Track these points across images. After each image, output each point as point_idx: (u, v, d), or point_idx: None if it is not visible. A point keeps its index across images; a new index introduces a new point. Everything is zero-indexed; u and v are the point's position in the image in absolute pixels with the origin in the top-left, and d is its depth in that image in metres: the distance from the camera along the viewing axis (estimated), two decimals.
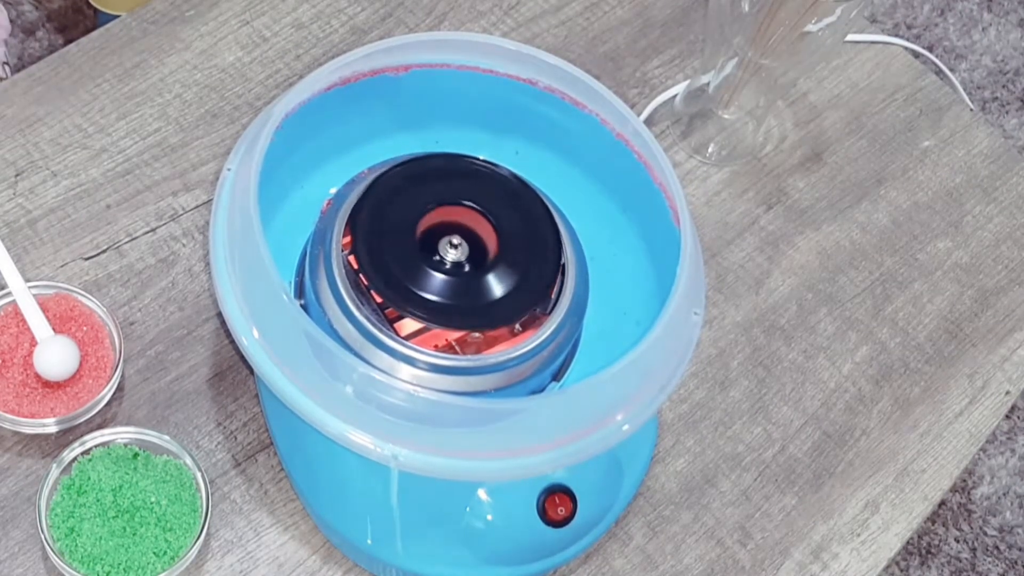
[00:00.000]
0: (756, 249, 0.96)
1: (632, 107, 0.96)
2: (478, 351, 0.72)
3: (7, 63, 1.15)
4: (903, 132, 1.04)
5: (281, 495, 0.81)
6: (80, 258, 0.86)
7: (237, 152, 0.73)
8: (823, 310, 0.95)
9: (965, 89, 1.10)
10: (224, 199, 0.72)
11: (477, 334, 0.72)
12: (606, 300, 0.78)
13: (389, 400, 0.66)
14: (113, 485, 0.76)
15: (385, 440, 0.67)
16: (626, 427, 0.69)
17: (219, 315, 0.85)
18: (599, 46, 1.03)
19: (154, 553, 0.75)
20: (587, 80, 0.76)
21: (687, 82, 1.00)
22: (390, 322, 0.70)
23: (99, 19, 1.37)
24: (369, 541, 0.76)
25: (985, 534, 1.64)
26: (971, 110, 1.06)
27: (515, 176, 0.76)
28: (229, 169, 0.72)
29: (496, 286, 0.71)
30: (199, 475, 0.77)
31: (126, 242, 0.88)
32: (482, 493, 0.76)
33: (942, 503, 1.65)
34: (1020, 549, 1.65)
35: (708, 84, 0.97)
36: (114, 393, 0.80)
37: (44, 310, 0.79)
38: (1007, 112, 1.96)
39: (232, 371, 0.84)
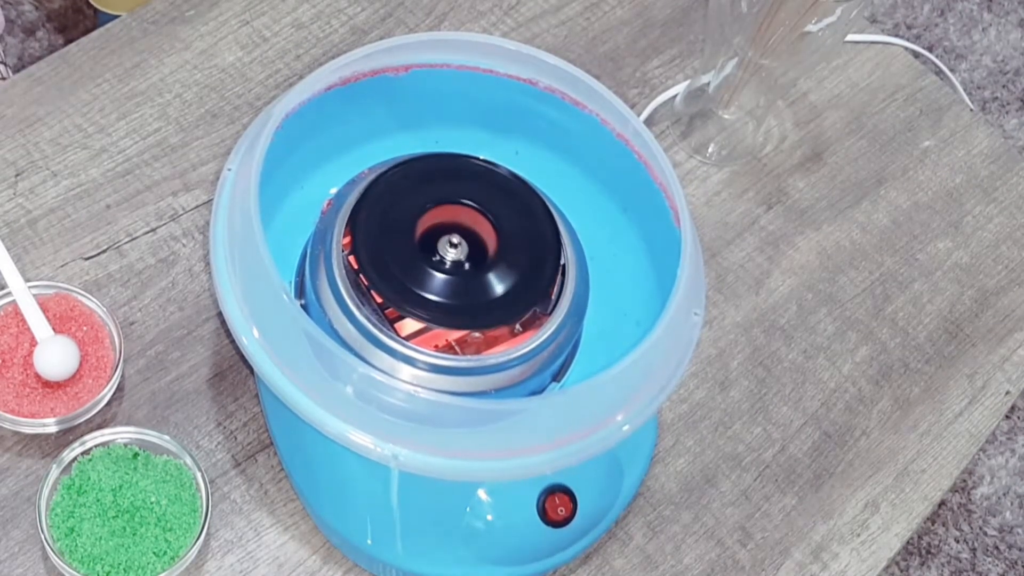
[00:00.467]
0: (756, 249, 0.96)
1: (632, 107, 0.96)
2: (478, 351, 0.72)
3: (4, 62, 1.15)
4: (903, 132, 1.04)
5: (281, 495, 0.81)
6: (80, 258, 0.86)
7: (237, 152, 0.73)
8: (823, 310, 0.95)
9: (965, 89, 1.10)
10: (224, 199, 0.72)
11: (477, 334, 0.72)
12: (606, 300, 0.78)
13: (389, 400, 0.66)
14: (113, 485, 0.76)
15: (385, 440, 0.67)
16: (626, 427, 0.69)
17: (219, 315, 0.86)
18: (599, 46, 1.03)
19: (154, 553, 0.75)
20: (587, 80, 0.76)
21: (687, 82, 1.00)
22: (390, 322, 0.70)
23: (99, 19, 1.37)
24: (369, 541, 0.76)
25: (985, 534, 1.64)
26: (971, 110, 1.06)
27: (515, 176, 0.76)
28: (229, 169, 0.72)
29: (496, 286, 0.71)
30: (199, 475, 0.77)
31: (126, 242, 0.88)
32: (482, 493, 0.76)
33: (942, 503, 1.65)
34: (1020, 549, 1.65)
35: (708, 84, 0.97)
36: (114, 393, 0.80)
37: (44, 310, 0.79)
38: (1007, 112, 1.96)
39: (232, 371, 0.84)
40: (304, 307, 0.73)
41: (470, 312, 0.71)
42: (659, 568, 0.83)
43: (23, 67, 0.96)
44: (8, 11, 1.71)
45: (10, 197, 0.88)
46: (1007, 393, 0.94)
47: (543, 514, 0.76)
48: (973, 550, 1.63)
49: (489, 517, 0.76)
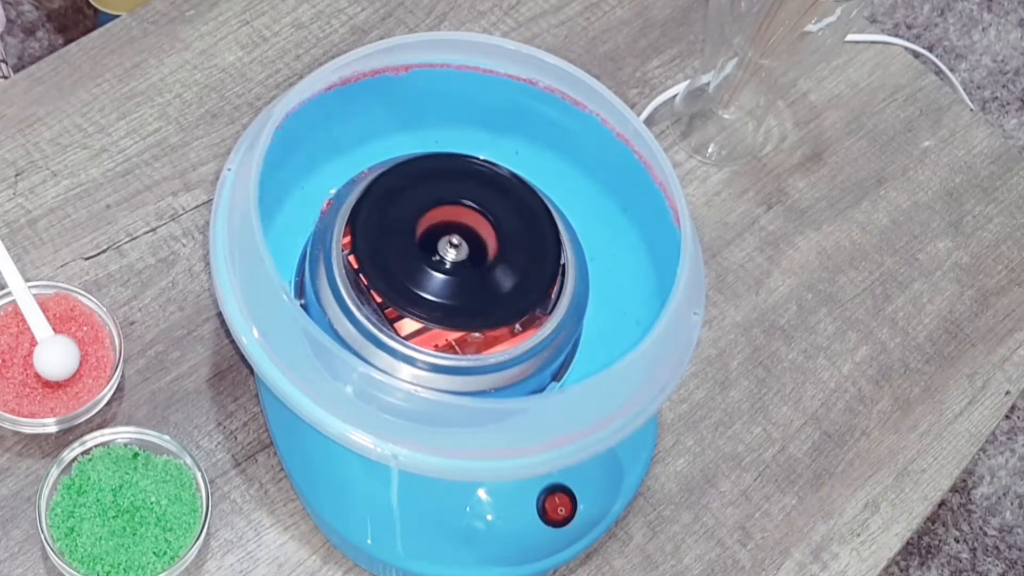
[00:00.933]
0: (756, 249, 0.96)
1: (632, 107, 0.96)
2: (478, 351, 0.72)
3: (4, 60, 1.15)
4: (903, 132, 1.04)
5: (281, 495, 0.81)
6: (80, 258, 0.86)
7: (237, 152, 0.73)
8: (823, 310, 0.95)
9: (965, 89, 1.10)
10: (224, 199, 0.72)
11: (477, 334, 0.72)
12: (606, 300, 0.78)
13: (389, 400, 0.66)
14: (113, 485, 0.76)
15: (385, 440, 0.67)
16: (626, 427, 0.69)
17: (219, 315, 0.86)
18: (599, 46, 1.03)
19: (154, 553, 0.75)
20: (587, 80, 0.75)
21: (687, 82, 1.00)
22: (390, 322, 0.70)
23: (99, 19, 1.37)
24: (369, 541, 0.76)
25: (985, 534, 1.64)
26: (971, 110, 1.06)
27: (515, 176, 0.76)
28: (229, 169, 0.72)
29: (496, 286, 0.71)
30: (199, 475, 0.77)
31: (126, 242, 0.88)
32: (482, 493, 0.76)
33: (942, 503, 1.65)
34: (1020, 549, 1.65)
35: (708, 84, 0.97)
36: (114, 393, 0.80)
37: (44, 310, 0.79)
38: (1007, 112, 1.96)
39: (232, 371, 0.84)
40: (304, 307, 0.73)
41: (470, 312, 0.71)
42: (659, 568, 0.83)
43: (23, 67, 0.96)
44: (8, 11, 1.71)
45: (10, 197, 0.88)
46: (1007, 393, 0.94)
47: (543, 514, 0.76)
48: (973, 550, 1.63)
49: (489, 517, 0.76)
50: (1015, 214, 1.02)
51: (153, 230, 0.88)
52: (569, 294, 0.73)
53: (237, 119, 0.93)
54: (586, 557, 0.83)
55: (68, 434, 0.79)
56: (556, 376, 0.75)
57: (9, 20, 1.70)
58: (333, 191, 0.77)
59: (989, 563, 1.63)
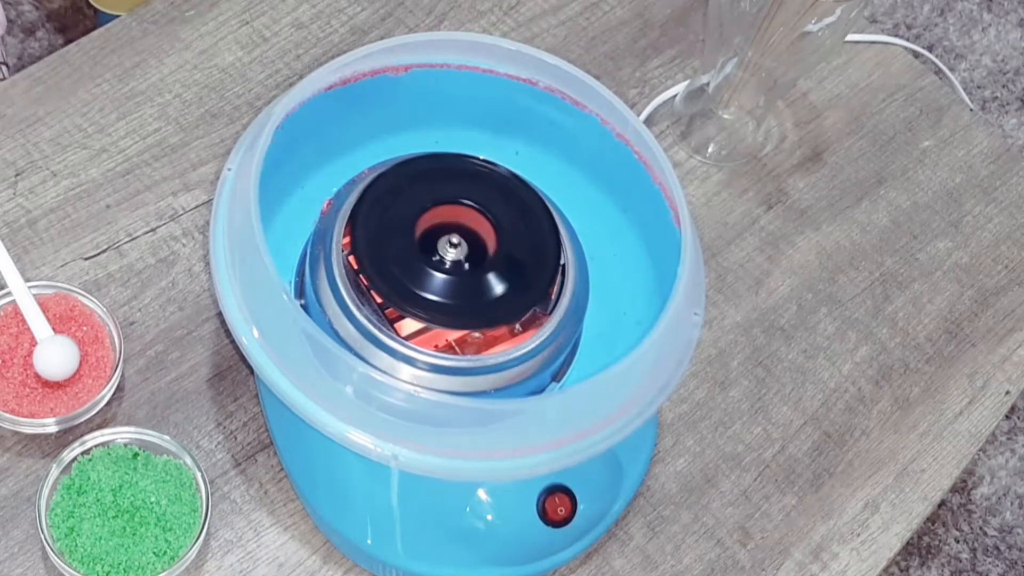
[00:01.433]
0: (756, 249, 0.96)
1: (632, 107, 0.96)
2: (478, 351, 0.72)
3: (5, 63, 1.15)
4: (903, 132, 1.04)
5: (281, 495, 0.81)
6: (80, 258, 0.86)
7: (237, 152, 0.73)
8: (823, 310, 0.95)
9: (965, 89, 1.10)
10: (224, 199, 0.72)
11: (477, 334, 0.72)
12: (606, 300, 0.78)
13: (389, 400, 0.66)
14: (113, 485, 0.76)
15: (385, 440, 0.67)
16: (626, 427, 0.69)
17: (219, 315, 0.86)
18: (599, 46, 1.02)
19: (154, 553, 0.75)
20: (587, 80, 0.75)
21: (687, 82, 1.00)
22: (390, 322, 0.70)
23: (99, 19, 1.37)
24: (369, 541, 0.76)
25: (985, 534, 1.64)
26: (971, 110, 1.06)
27: (515, 176, 0.76)
28: (229, 169, 0.72)
29: (496, 286, 0.71)
30: (199, 475, 0.77)
31: (126, 242, 0.88)
32: (482, 493, 0.76)
33: (942, 503, 1.65)
34: (1020, 549, 1.65)
35: (708, 84, 0.97)
36: (114, 393, 0.80)
37: (44, 310, 0.79)
38: (1007, 112, 1.96)
39: (232, 371, 0.84)
40: (304, 307, 0.73)
41: (470, 312, 0.71)
42: (659, 568, 0.83)
43: (23, 67, 0.96)
44: (8, 11, 1.71)
45: (10, 197, 0.88)
46: (1007, 393, 0.94)
47: (543, 514, 0.76)
48: (973, 550, 1.63)
49: (489, 517, 0.76)
50: (1015, 214, 1.02)
51: (153, 230, 0.88)
52: (569, 294, 0.73)
53: (237, 119, 0.93)
54: (586, 557, 0.83)
55: (68, 434, 0.79)
56: (556, 376, 0.75)
57: (9, 20, 1.70)
58: (333, 191, 0.77)
59: (989, 563, 1.63)
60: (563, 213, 0.77)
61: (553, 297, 0.72)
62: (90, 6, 1.38)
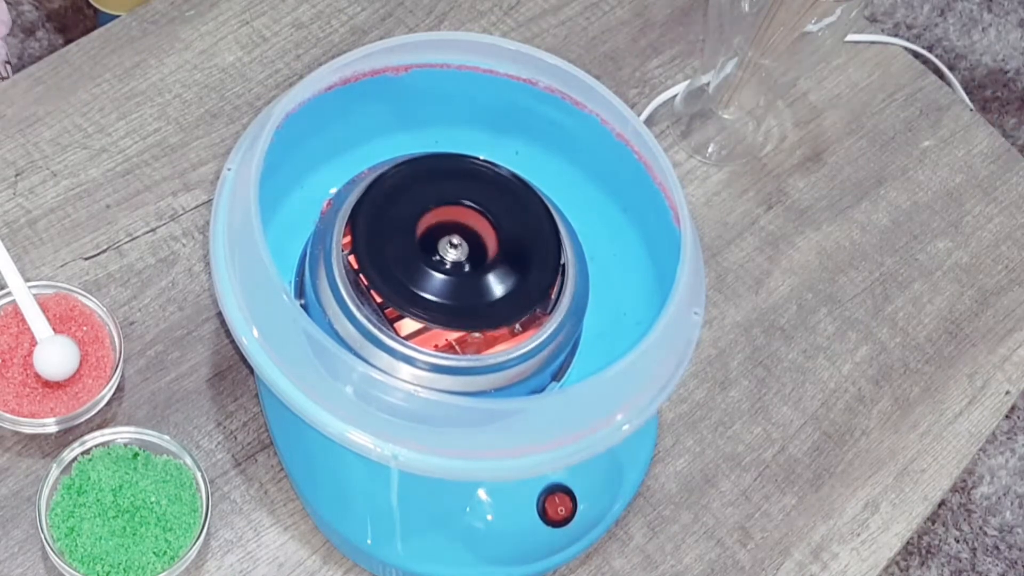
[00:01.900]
0: (756, 249, 0.96)
1: (632, 107, 0.96)
2: (478, 351, 0.72)
3: (8, 62, 1.15)
4: (903, 132, 1.04)
5: (281, 495, 0.81)
6: (80, 258, 0.86)
7: (237, 152, 0.73)
8: (823, 310, 0.95)
9: (965, 89, 1.10)
10: (224, 199, 0.72)
11: (477, 334, 0.72)
12: (606, 300, 0.78)
13: (389, 400, 0.66)
14: (113, 485, 0.76)
15: (385, 440, 0.67)
16: (626, 427, 0.69)
17: (219, 315, 0.86)
18: (599, 46, 1.03)
19: (154, 553, 0.75)
20: (587, 80, 0.75)
21: (687, 82, 1.00)
22: (390, 322, 0.70)
23: (99, 19, 1.37)
24: (369, 541, 0.76)
25: (985, 534, 1.64)
26: (971, 110, 1.06)
27: (515, 176, 0.76)
28: (229, 169, 0.72)
29: (496, 286, 0.71)
30: (199, 475, 0.77)
31: (126, 242, 0.88)
32: (482, 493, 0.76)
33: (942, 503, 1.65)
34: (1020, 549, 1.65)
35: (708, 84, 0.97)
36: (114, 393, 0.80)
37: (44, 310, 0.79)
38: (1007, 112, 1.96)
39: (232, 371, 0.84)
40: (304, 307, 0.73)
41: (470, 312, 0.71)
42: (659, 568, 0.83)
43: (23, 67, 0.96)
44: (8, 11, 1.70)
45: (10, 197, 0.88)
46: (1007, 393, 0.94)
47: (543, 514, 0.76)
48: (973, 550, 1.63)
49: (489, 517, 0.76)
50: (1015, 214, 1.02)
51: (153, 230, 0.88)
52: (569, 294, 0.73)
53: (237, 119, 0.93)
54: (586, 557, 0.83)
55: (68, 434, 0.79)
56: (556, 376, 0.75)
57: (10, 19, 1.70)
58: (333, 191, 0.77)
59: (989, 563, 1.63)
60: (563, 213, 0.77)
61: (553, 297, 0.72)
62: (90, 6, 1.38)
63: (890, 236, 0.99)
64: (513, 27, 1.02)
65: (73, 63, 0.94)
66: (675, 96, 1.01)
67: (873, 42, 1.08)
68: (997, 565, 1.63)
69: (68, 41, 1.41)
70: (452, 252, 0.72)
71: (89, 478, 0.76)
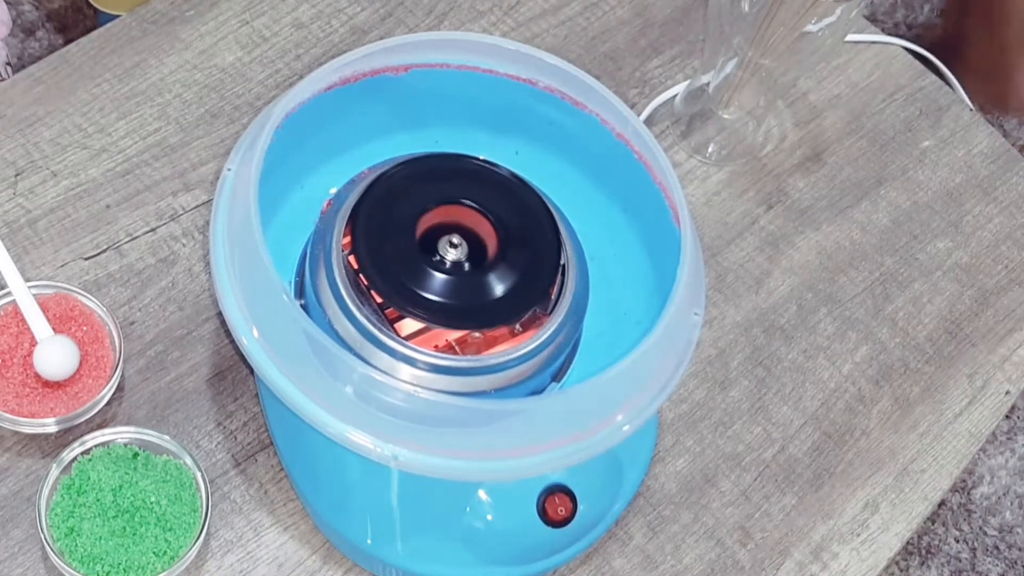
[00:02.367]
0: (756, 249, 0.96)
1: (632, 107, 0.96)
2: (478, 351, 0.72)
3: (9, 64, 1.15)
4: (903, 132, 1.04)
5: (281, 495, 0.81)
6: (80, 258, 0.86)
7: (237, 152, 0.73)
8: (823, 310, 0.95)
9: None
10: (224, 199, 0.72)
11: (477, 334, 0.72)
12: (606, 300, 0.78)
13: (389, 400, 0.66)
14: (113, 485, 0.76)
15: (385, 440, 0.67)
16: (626, 427, 0.69)
17: (219, 315, 0.86)
18: (599, 46, 1.03)
19: (154, 553, 0.75)
20: (587, 80, 0.75)
21: (687, 82, 1.00)
22: (390, 322, 0.70)
23: (99, 19, 1.37)
24: (369, 541, 0.76)
25: (985, 534, 1.64)
26: (971, 110, 1.06)
27: (515, 176, 0.76)
28: (229, 169, 0.72)
29: (496, 286, 0.71)
30: (199, 475, 0.77)
31: (126, 242, 0.88)
32: (482, 493, 0.76)
33: (942, 503, 1.65)
34: (1020, 549, 1.65)
35: (708, 84, 0.97)
36: (114, 393, 0.80)
37: (44, 310, 0.79)
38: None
39: (232, 371, 0.84)
40: (304, 307, 0.73)
41: (470, 312, 0.71)
42: (659, 568, 0.83)
43: (23, 67, 0.96)
44: (8, 11, 1.70)
45: (10, 197, 0.88)
46: (1007, 393, 0.94)
47: (543, 514, 0.76)
48: (973, 550, 1.63)
49: (489, 517, 0.76)
50: (1015, 214, 1.02)
51: (153, 230, 0.88)
52: (569, 294, 0.73)
53: (237, 119, 0.93)
54: (586, 557, 0.83)
55: (68, 434, 0.79)
56: (556, 376, 0.75)
57: (10, 19, 1.70)
58: (333, 191, 0.77)
59: (989, 563, 1.63)
60: (563, 213, 0.77)
61: (553, 297, 0.72)
62: (90, 6, 1.38)
63: (890, 236, 0.99)
64: (513, 27, 1.02)
65: (73, 63, 0.94)
66: (675, 96, 1.01)
67: (873, 42, 1.08)
68: (997, 565, 1.63)
69: (68, 41, 1.41)
70: (452, 252, 0.72)
71: (89, 478, 0.76)
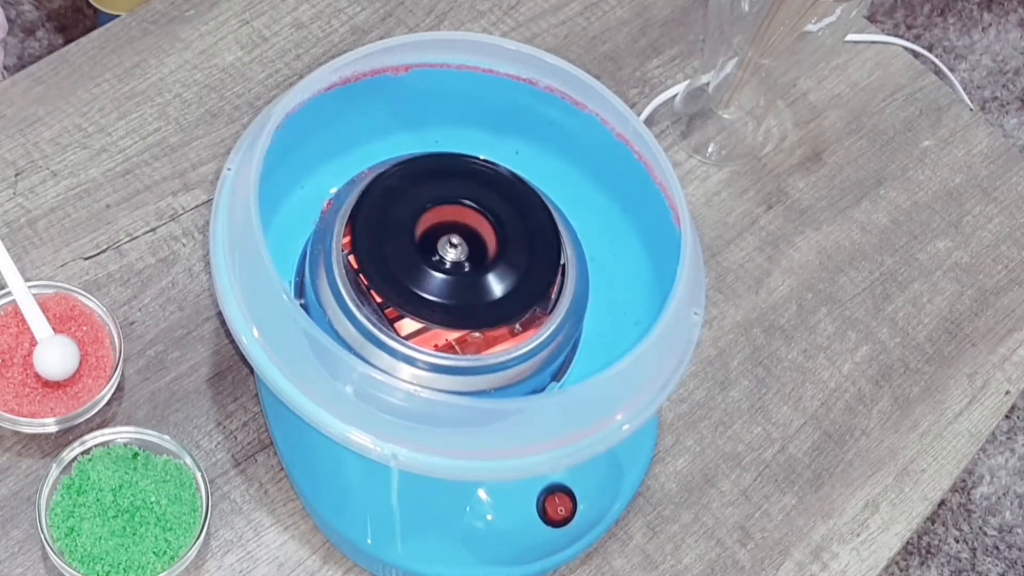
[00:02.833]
0: (756, 249, 0.96)
1: (632, 107, 0.96)
2: (478, 351, 0.72)
3: (5, 67, 1.15)
4: (903, 132, 1.04)
5: (281, 495, 0.81)
6: (80, 258, 0.86)
7: (237, 152, 0.73)
8: (823, 310, 0.95)
9: (965, 89, 1.10)
10: (224, 199, 0.72)
11: (477, 334, 0.72)
12: (606, 300, 0.78)
13: (389, 400, 0.66)
14: (113, 485, 0.76)
15: (385, 440, 0.67)
16: (626, 427, 0.69)
17: (219, 315, 0.86)
18: (599, 46, 1.03)
19: (154, 553, 0.75)
20: (587, 80, 0.75)
21: (687, 82, 1.00)
22: (390, 322, 0.70)
23: (99, 19, 1.37)
24: (369, 541, 0.76)
25: (985, 534, 1.65)
26: (971, 110, 1.06)
27: (515, 176, 0.76)
28: (229, 169, 0.72)
29: (496, 286, 0.71)
30: (199, 475, 0.77)
31: (126, 242, 0.88)
32: (482, 493, 0.76)
33: (942, 503, 1.65)
34: (1020, 549, 1.65)
35: (708, 84, 0.97)
36: (114, 393, 0.80)
37: (44, 310, 0.79)
38: (1007, 112, 1.96)
39: (232, 371, 0.84)
40: (304, 307, 0.73)
41: (470, 312, 0.71)
42: (659, 568, 0.83)
43: (23, 67, 0.96)
44: (8, 11, 1.71)
45: (10, 197, 0.88)
46: (1007, 393, 0.94)
47: (543, 514, 0.76)
48: (973, 550, 1.63)
49: (489, 517, 0.76)
50: (1015, 214, 1.02)
51: (153, 230, 0.88)
52: (569, 294, 0.73)
53: (237, 119, 0.93)
54: (586, 557, 0.83)
55: (68, 434, 0.79)
56: (556, 376, 0.75)
57: (9, 20, 1.70)
58: (333, 191, 0.77)
59: (989, 563, 1.63)
60: (563, 213, 0.77)
61: (553, 297, 0.72)
62: (90, 6, 1.38)
63: (890, 236, 0.99)
64: (513, 27, 1.02)
65: (73, 63, 0.94)
66: (675, 96, 1.01)
67: (873, 42, 1.08)
68: (997, 565, 1.63)
69: (68, 41, 1.41)
70: (452, 252, 0.72)
71: (89, 478, 0.76)
